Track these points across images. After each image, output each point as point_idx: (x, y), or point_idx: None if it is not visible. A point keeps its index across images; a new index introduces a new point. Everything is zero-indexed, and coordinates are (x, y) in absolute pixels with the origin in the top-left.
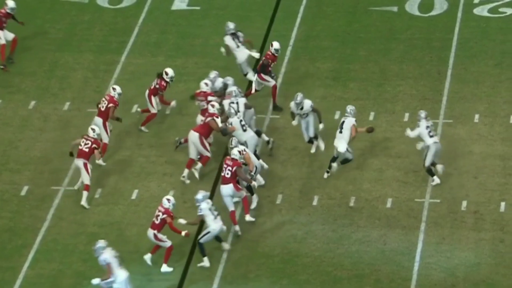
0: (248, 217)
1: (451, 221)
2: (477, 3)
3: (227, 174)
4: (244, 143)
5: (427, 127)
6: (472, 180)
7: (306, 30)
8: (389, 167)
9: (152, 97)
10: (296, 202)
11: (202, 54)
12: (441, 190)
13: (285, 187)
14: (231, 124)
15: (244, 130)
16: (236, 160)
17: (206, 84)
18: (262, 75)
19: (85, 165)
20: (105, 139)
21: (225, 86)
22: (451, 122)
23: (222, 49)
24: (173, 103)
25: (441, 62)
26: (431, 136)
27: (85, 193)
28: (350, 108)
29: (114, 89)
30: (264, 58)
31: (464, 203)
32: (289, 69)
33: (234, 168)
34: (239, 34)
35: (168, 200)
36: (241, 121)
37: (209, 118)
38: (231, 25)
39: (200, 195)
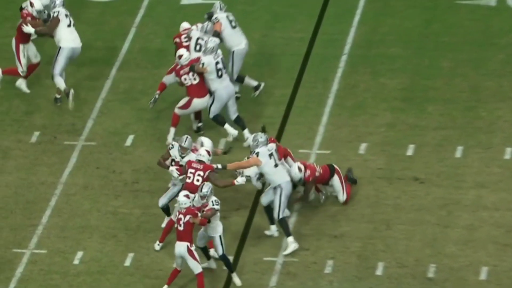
0: None
1: None
2: None
3: (197, 181)
4: (212, 94)
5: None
6: None
7: (367, 33)
8: (483, 223)
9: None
10: (353, 271)
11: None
12: None
13: (337, 250)
14: (203, 64)
15: (219, 76)
16: (205, 162)
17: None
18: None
19: None
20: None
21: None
22: None
23: None
24: None
25: None
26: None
27: None
28: None
29: (31, 4)
30: None
31: None
32: (343, 86)
33: (207, 173)
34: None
35: (187, 196)
36: (217, 63)
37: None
38: None
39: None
